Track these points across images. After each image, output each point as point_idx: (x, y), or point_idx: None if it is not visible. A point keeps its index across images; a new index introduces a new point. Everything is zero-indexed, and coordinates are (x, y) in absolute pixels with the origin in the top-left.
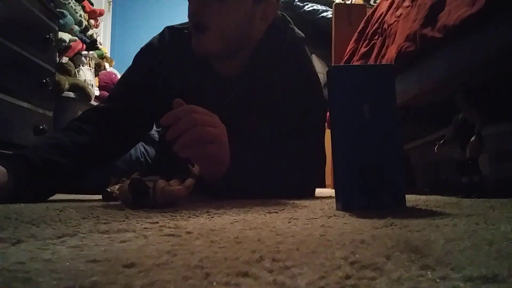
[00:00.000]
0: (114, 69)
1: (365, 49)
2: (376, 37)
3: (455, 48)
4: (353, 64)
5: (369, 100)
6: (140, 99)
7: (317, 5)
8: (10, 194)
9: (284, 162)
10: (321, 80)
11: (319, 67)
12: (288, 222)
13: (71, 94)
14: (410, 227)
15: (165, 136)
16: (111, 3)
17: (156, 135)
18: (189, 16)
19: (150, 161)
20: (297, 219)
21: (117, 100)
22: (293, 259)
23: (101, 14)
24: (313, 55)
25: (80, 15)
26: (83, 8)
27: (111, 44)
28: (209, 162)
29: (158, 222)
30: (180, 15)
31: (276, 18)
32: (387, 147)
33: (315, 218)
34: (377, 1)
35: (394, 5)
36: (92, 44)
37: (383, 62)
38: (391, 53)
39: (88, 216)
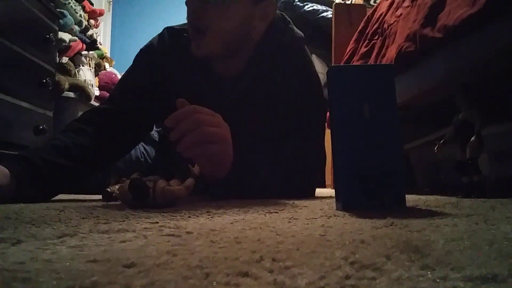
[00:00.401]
0: (114, 69)
1: (365, 49)
2: (376, 37)
3: (455, 48)
4: (353, 64)
5: (369, 100)
6: (140, 100)
7: (317, 5)
8: (12, 196)
9: (285, 162)
10: (321, 80)
11: (319, 67)
12: (288, 222)
13: (71, 94)
14: (410, 227)
15: (166, 136)
16: (111, 3)
17: (156, 135)
18: (188, 19)
19: (150, 161)
20: (297, 219)
21: (117, 101)
22: (293, 259)
23: (101, 14)
24: (313, 55)
25: (80, 15)
26: (83, 8)
27: (111, 44)
28: (212, 162)
29: (158, 222)
30: (180, 15)
31: (275, 18)
32: (387, 147)
33: (315, 218)
34: (377, 1)
35: (394, 5)
36: (92, 44)
37: (383, 62)
38: (391, 53)
39: (88, 216)
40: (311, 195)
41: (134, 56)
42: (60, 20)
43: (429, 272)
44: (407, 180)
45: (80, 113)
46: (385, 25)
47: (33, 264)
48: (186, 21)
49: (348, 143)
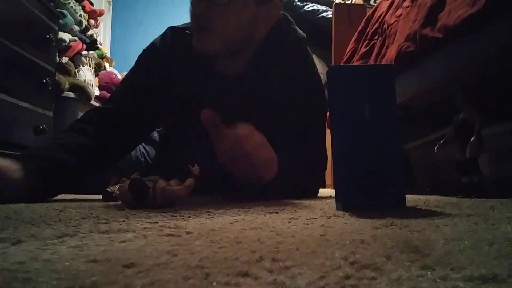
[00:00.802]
0: (114, 69)
1: (365, 49)
2: (376, 37)
3: (455, 48)
4: (353, 64)
5: (369, 100)
6: (142, 100)
7: (317, 5)
8: (26, 191)
9: (291, 162)
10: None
11: (319, 67)
12: (288, 222)
13: (71, 94)
14: (410, 227)
15: (167, 136)
16: (111, 3)
17: (156, 135)
18: (192, 19)
19: (150, 161)
20: (297, 219)
21: (119, 101)
22: (293, 259)
23: (101, 14)
24: (313, 55)
25: (80, 15)
26: (83, 8)
27: (111, 44)
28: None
29: (158, 222)
30: (180, 15)
31: (279, 19)
32: (387, 147)
33: (315, 218)
34: (377, 1)
35: (394, 5)
36: (92, 44)
37: (383, 62)
38: (391, 53)
39: (88, 216)
40: (315, 195)
41: (134, 56)
42: (60, 20)
43: (429, 272)
44: (407, 180)
45: (80, 113)
46: (385, 25)
47: (33, 264)
48: (188, 21)
49: (348, 143)
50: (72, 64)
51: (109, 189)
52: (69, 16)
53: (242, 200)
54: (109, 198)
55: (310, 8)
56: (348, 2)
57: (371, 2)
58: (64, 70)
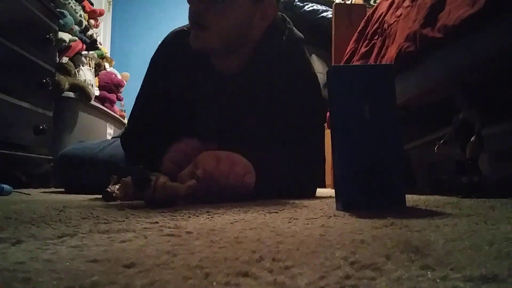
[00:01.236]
0: (114, 69)
1: (365, 49)
2: (376, 37)
3: (455, 48)
4: (353, 64)
5: (369, 100)
6: (166, 107)
7: (317, 5)
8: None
9: (288, 162)
10: (321, 80)
11: (319, 67)
12: (288, 222)
13: (71, 94)
14: (410, 227)
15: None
16: (111, 3)
17: None
18: (190, 17)
19: None
20: (297, 219)
21: (147, 116)
22: (293, 259)
23: (101, 14)
24: (313, 55)
25: (80, 15)
26: (83, 8)
27: (111, 44)
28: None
29: (158, 222)
30: (180, 15)
31: (276, 19)
32: (387, 147)
33: (315, 218)
34: (377, 1)
35: (394, 5)
36: (92, 44)
37: (383, 62)
38: (391, 53)
39: (88, 216)
40: (313, 195)
41: (134, 56)
42: (60, 20)
43: (429, 272)
44: (407, 180)
45: (80, 113)
46: (385, 25)
47: (33, 264)
48: (187, 22)
49: (348, 143)
50: (72, 64)
51: (109, 189)
52: (69, 16)
53: (242, 200)
54: (109, 198)
55: (310, 8)
56: (348, 2)
57: (371, 2)
58: (64, 70)
